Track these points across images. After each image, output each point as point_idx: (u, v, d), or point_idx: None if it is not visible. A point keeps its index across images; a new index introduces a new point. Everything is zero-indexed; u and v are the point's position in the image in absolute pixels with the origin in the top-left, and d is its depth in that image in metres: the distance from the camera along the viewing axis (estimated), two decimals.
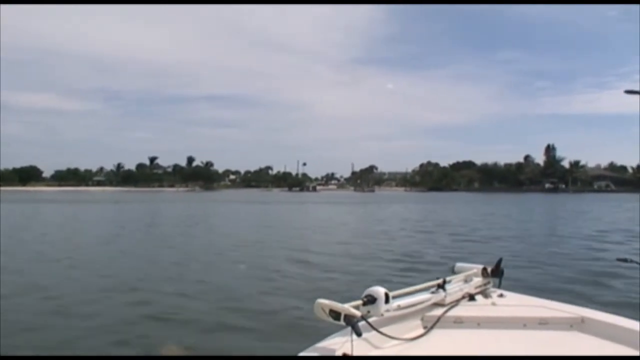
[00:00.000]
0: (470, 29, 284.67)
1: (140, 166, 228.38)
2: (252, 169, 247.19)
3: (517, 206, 68.85)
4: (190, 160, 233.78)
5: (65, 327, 9.93)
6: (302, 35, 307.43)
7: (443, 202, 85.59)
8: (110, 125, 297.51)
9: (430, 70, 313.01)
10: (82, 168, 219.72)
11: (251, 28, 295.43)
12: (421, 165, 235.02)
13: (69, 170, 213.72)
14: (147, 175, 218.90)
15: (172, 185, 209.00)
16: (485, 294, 3.35)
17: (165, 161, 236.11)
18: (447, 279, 3.17)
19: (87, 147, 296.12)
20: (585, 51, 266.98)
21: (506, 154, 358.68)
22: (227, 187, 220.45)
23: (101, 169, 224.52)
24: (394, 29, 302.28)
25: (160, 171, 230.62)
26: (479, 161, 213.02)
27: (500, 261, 3.49)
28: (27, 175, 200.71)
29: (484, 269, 3.42)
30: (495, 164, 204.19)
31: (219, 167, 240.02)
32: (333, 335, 2.41)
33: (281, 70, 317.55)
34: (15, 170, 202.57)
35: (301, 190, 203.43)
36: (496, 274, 3.44)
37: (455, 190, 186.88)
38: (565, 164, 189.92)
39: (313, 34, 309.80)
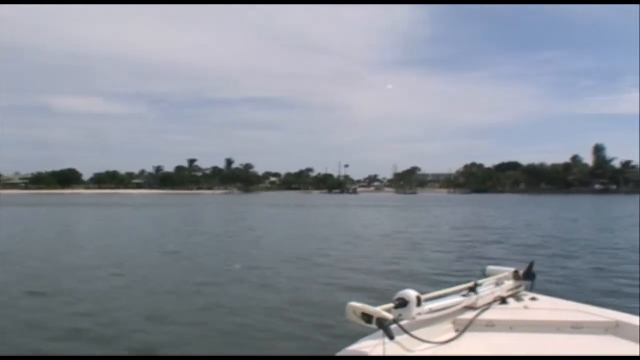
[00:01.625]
0: (510, 29, 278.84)
1: (179, 169, 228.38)
2: (293, 171, 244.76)
3: (572, 209, 63.79)
4: (229, 162, 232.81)
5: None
6: (342, 37, 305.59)
7: (491, 204, 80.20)
8: (152, 128, 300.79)
9: (471, 71, 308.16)
10: (123, 171, 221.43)
11: (290, 31, 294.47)
12: (465, 167, 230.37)
13: (107, 173, 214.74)
14: (185, 177, 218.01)
15: (210, 188, 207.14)
16: (517, 298, 3.32)
17: (205, 164, 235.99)
18: (479, 282, 3.18)
19: (128, 150, 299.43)
20: (630, 49, 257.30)
21: (550, 155, 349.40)
22: (266, 189, 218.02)
23: (142, 171, 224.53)
24: (433, 30, 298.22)
25: (199, 174, 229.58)
26: (523, 162, 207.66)
27: (532, 264, 3.46)
28: (67, 179, 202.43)
29: (516, 272, 3.40)
30: (542, 165, 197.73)
31: (259, 169, 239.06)
32: (365, 338, 2.43)
33: (321, 72, 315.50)
34: (54, 174, 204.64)
35: (341, 192, 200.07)
36: (528, 277, 3.43)
37: (501, 192, 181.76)
38: (616, 164, 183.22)
39: (352, 36, 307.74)
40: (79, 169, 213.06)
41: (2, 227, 33.57)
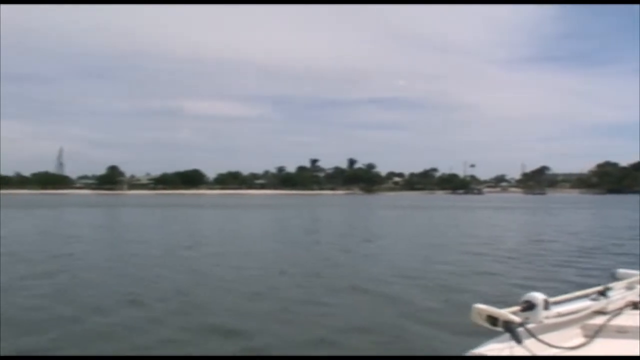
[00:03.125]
0: None
1: (300, 169, 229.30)
2: (417, 171, 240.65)
3: None
4: (351, 162, 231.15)
5: None
6: (469, 35, 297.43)
7: (629, 206, 70.16)
8: (276, 129, 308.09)
9: (604, 66, 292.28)
10: (246, 171, 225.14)
11: (416, 30, 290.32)
12: (598, 166, 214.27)
13: (230, 173, 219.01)
14: (306, 178, 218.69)
15: (332, 189, 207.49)
16: None
17: (327, 163, 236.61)
18: (609, 285, 3.07)
19: (253, 151, 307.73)
20: None
21: None
22: (389, 189, 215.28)
23: (266, 172, 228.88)
24: (565, 25, 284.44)
25: (321, 174, 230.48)
26: None
27: None
28: (190, 179, 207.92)
29: None
30: None
31: (382, 169, 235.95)
32: (491, 340, 2.37)
33: (448, 71, 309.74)
34: (178, 174, 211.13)
35: (465, 193, 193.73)
36: None
37: (638, 192, 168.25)
38: None
39: (480, 34, 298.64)
40: (203, 169, 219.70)
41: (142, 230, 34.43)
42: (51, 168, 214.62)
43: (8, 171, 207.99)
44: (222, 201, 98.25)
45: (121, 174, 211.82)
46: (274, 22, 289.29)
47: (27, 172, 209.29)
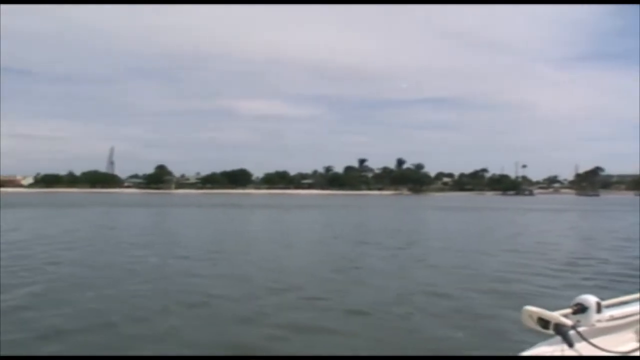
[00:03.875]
0: None
1: (348, 169, 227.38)
2: (467, 171, 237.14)
3: None
4: (400, 162, 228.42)
5: None
6: (522, 34, 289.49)
7: None
8: (328, 129, 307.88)
9: None
10: (294, 171, 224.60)
11: (465, 28, 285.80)
12: None
13: (277, 173, 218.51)
14: (354, 178, 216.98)
15: (380, 189, 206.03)
16: None
17: (375, 164, 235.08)
18: None
19: (304, 151, 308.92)
20: None
21: None
22: (438, 190, 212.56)
23: (315, 172, 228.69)
24: (622, 22, 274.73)
25: (369, 174, 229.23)
26: None
27: None
28: (237, 178, 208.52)
29: None
30: None
31: (432, 169, 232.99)
32: (542, 343, 2.36)
33: (501, 71, 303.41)
34: (225, 174, 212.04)
35: (516, 194, 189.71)
36: None
37: None
38: None
39: (533, 32, 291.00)
40: (253, 169, 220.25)
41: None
42: (102, 167, 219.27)
43: (61, 170, 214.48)
44: (265, 201, 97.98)
45: (169, 173, 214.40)
46: (325, 22, 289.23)
47: (79, 171, 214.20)
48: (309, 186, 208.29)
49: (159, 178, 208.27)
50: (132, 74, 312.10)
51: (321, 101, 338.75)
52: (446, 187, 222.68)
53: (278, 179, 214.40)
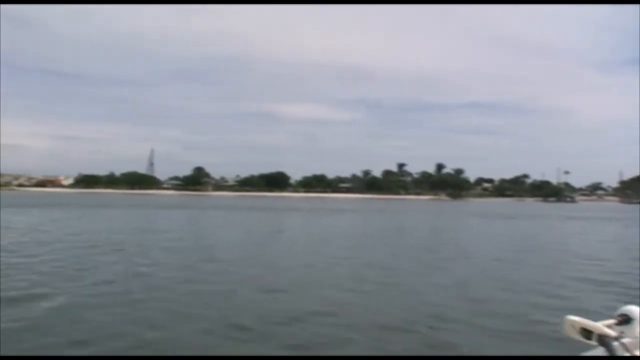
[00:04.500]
0: None
1: (386, 173, 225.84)
2: (508, 177, 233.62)
3: None
4: (439, 167, 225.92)
5: None
6: (565, 37, 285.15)
7: None
8: (368, 133, 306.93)
9: None
10: (332, 174, 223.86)
11: (510, 32, 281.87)
12: None
13: (315, 176, 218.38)
14: (392, 182, 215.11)
15: (418, 194, 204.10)
16: None
17: (414, 168, 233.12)
18: None
19: (342, 154, 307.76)
20: None
21: None
22: (477, 195, 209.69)
23: (353, 175, 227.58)
24: None
25: (408, 178, 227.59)
26: None
27: None
28: (275, 181, 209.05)
29: None
30: None
31: (472, 175, 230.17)
32: (583, 354, 2.31)
33: (543, 75, 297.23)
34: (262, 177, 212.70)
35: (557, 200, 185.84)
36: None
37: None
38: None
39: (576, 35, 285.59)
40: (293, 172, 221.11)
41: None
42: (143, 169, 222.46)
43: (103, 170, 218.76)
44: (300, 204, 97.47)
45: (206, 175, 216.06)
46: (368, 25, 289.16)
47: (120, 172, 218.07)
48: (347, 190, 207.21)
49: (196, 180, 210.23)
50: (173, 77, 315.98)
51: (361, 105, 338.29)
52: (486, 193, 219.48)
53: (316, 183, 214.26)
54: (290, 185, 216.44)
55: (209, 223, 44.46)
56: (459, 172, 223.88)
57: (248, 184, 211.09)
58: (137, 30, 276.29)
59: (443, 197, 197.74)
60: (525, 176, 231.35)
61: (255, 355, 8.70)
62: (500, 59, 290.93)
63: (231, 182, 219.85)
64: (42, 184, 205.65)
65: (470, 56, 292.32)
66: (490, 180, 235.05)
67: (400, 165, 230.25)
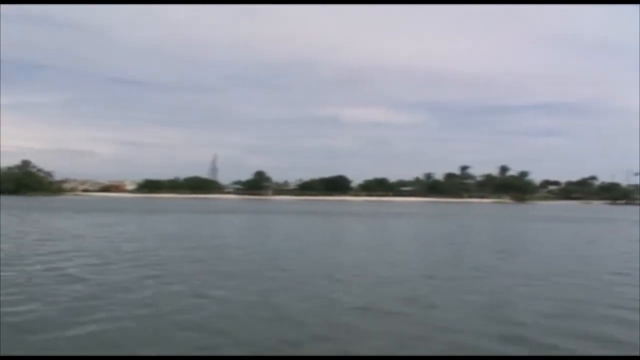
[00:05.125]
0: None
1: (449, 176, 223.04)
2: (575, 179, 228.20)
3: None
4: (503, 169, 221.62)
5: None
6: (630, 36, 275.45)
7: None
8: (431, 136, 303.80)
9: None
10: (396, 178, 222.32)
11: (574, 31, 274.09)
12: None
13: (376, 179, 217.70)
14: (454, 185, 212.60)
15: (482, 197, 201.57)
16: None
17: (478, 170, 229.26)
18: None
19: (406, 158, 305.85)
20: None
21: None
22: (542, 198, 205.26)
23: (416, 179, 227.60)
24: None
25: (471, 181, 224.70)
26: None
27: None
28: (335, 185, 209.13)
29: None
30: None
31: (537, 177, 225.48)
32: None
33: (613, 75, 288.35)
34: (322, 180, 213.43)
35: (627, 203, 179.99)
36: None
37: None
38: None
39: None
40: (352, 176, 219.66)
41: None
42: (206, 173, 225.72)
43: (168, 175, 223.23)
44: (357, 208, 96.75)
45: (267, 179, 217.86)
46: (429, 27, 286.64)
47: (183, 177, 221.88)
48: (409, 193, 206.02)
49: (257, 184, 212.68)
50: (235, 83, 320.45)
51: (424, 108, 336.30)
52: (551, 196, 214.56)
53: (377, 186, 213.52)
54: (350, 189, 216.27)
55: (273, 227, 44.07)
56: (524, 174, 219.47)
57: (308, 187, 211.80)
58: (198, 37, 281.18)
59: (507, 200, 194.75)
60: (593, 178, 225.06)
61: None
62: (564, 59, 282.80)
63: (292, 186, 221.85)
64: (106, 189, 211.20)
65: (534, 57, 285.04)
66: (556, 183, 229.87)
67: (463, 168, 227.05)
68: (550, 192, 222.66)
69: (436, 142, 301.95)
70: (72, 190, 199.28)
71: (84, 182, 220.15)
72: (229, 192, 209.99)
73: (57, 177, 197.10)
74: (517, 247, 29.51)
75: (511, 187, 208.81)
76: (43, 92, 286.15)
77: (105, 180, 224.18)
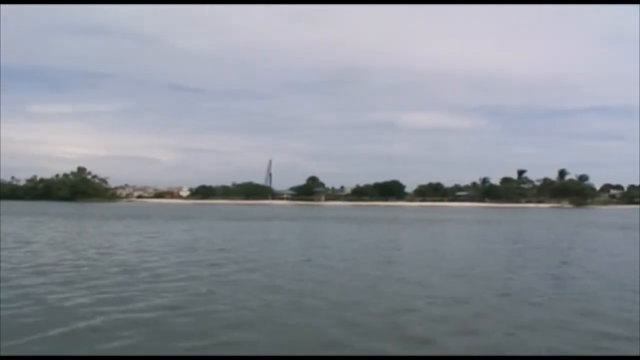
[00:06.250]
0: None
1: (505, 180, 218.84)
2: (637, 183, 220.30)
3: None
4: (562, 173, 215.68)
5: None
6: None
7: None
8: (489, 140, 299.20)
9: None
10: (452, 183, 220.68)
11: (635, 32, 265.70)
12: None
13: (430, 184, 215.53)
14: (510, 190, 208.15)
15: (540, 201, 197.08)
16: None
17: (536, 175, 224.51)
18: None
19: (464, 163, 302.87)
20: None
21: None
22: (603, 203, 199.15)
23: (473, 183, 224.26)
24: None
25: (528, 185, 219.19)
26: None
27: None
28: (389, 190, 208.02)
29: None
30: None
31: (597, 181, 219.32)
32: None
33: None
34: (377, 186, 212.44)
35: None
36: None
37: None
38: None
39: None
40: (407, 181, 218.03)
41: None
42: (262, 180, 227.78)
43: (224, 181, 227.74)
44: (409, 214, 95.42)
45: (320, 185, 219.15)
46: (486, 32, 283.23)
47: (238, 183, 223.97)
48: (464, 198, 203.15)
49: (309, 189, 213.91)
50: (291, 89, 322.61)
51: (482, 112, 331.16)
52: (612, 200, 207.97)
53: (432, 191, 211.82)
54: (405, 194, 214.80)
55: (331, 235, 42.96)
56: (583, 178, 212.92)
57: (362, 193, 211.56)
58: (253, 44, 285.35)
59: (565, 204, 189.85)
60: None
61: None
62: (622, 60, 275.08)
63: (347, 192, 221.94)
64: (160, 195, 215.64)
65: (592, 58, 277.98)
66: (618, 187, 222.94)
67: (520, 172, 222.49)
68: (612, 196, 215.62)
69: (493, 146, 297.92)
70: (127, 196, 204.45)
71: (142, 189, 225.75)
72: (281, 198, 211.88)
73: (118, 183, 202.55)
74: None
75: (570, 191, 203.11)
76: (106, 101, 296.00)
77: (164, 186, 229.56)
